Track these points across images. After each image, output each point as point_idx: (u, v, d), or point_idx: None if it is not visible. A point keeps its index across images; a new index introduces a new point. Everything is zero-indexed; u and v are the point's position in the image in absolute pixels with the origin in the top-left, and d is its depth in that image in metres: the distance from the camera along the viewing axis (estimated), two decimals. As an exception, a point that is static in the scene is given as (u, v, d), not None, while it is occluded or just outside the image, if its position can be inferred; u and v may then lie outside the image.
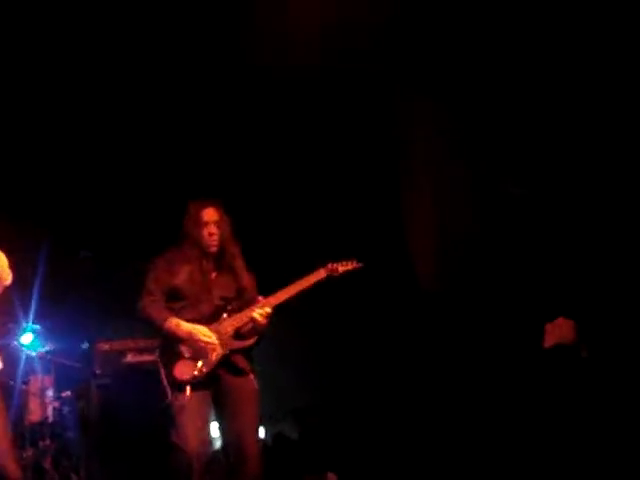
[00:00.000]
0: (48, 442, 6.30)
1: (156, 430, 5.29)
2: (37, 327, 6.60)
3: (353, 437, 6.44)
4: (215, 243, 4.39)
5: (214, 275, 4.41)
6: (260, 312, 4.25)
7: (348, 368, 7.15)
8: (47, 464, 6.16)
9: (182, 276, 4.33)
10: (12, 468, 3.91)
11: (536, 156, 5.64)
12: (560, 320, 4.12)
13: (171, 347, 4.21)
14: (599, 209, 4.86)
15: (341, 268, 4.54)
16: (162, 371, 4.19)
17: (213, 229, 4.38)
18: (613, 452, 3.73)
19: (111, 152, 6.79)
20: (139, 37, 5.84)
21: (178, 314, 4.26)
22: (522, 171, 5.73)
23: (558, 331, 4.07)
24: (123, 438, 5.64)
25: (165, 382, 4.17)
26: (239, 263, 4.48)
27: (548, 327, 4.13)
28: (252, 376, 4.35)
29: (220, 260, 4.44)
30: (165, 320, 4.22)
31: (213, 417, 4.42)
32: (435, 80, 6.21)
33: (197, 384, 4.15)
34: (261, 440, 4.82)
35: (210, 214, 4.42)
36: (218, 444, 5.65)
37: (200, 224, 4.39)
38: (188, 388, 4.12)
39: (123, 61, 6.05)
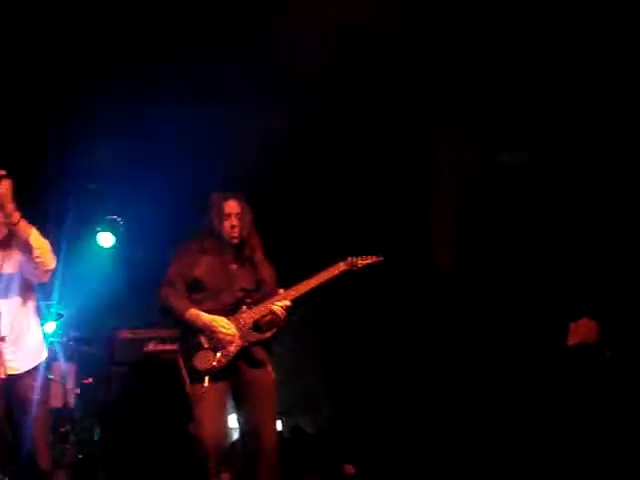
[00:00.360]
0: (69, 428, 6.37)
1: (174, 419, 5.34)
2: (61, 314, 6.65)
3: (370, 431, 6.43)
4: (236, 235, 4.40)
5: (234, 267, 4.42)
6: (280, 304, 4.26)
7: (367, 361, 7.13)
8: (67, 449, 6.23)
9: (203, 267, 4.35)
10: (44, 458, 3.93)
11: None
12: (584, 320, 4.08)
13: (191, 337, 4.23)
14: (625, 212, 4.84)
15: (360, 262, 4.55)
16: (181, 361, 4.22)
17: (235, 221, 4.40)
18: (634, 450, 3.70)
19: (133, 141, 6.83)
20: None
21: (198, 304, 4.28)
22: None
23: (582, 330, 4.04)
24: (142, 426, 5.66)
25: (184, 372, 4.19)
26: (259, 256, 4.50)
27: (572, 326, 4.10)
28: (270, 368, 4.36)
29: (241, 252, 4.46)
30: (185, 310, 4.24)
31: (231, 408, 4.45)
32: (455, 77, 6.20)
33: (216, 375, 4.16)
34: (278, 432, 4.83)
35: (232, 206, 4.43)
36: (236, 435, 5.67)
37: (222, 216, 4.41)
38: (207, 378, 4.13)
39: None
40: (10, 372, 3.87)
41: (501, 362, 5.30)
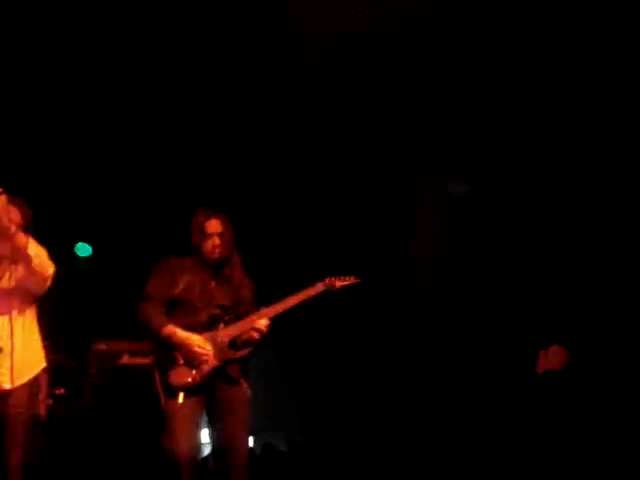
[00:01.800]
0: (39, 439, 6.32)
1: (148, 432, 5.32)
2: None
3: (343, 448, 6.45)
4: (217, 254, 4.41)
5: (213, 284, 4.43)
6: (263, 323, 4.29)
7: (340, 379, 7.16)
8: (37, 462, 6.17)
9: (182, 284, 4.35)
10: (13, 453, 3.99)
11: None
12: (554, 347, 4.15)
13: (166, 353, 4.24)
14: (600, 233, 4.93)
15: (338, 283, 4.53)
16: (156, 375, 4.23)
17: (216, 241, 4.40)
18: (603, 475, 3.78)
19: (119, 155, 6.83)
20: (148, 36, 5.87)
21: (175, 320, 4.28)
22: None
23: (551, 358, 4.11)
24: (115, 438, 5.64)
25: (159, 386, 4.20)
26: (239, 274, 4.52)
27: (542, 354, 4.17)
28: (245, 385, 4.38)
29: (220, 270, 4.47)
30: (162, 326, 4.24)
31: (204, 423, 4.46)
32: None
33: (190, 390, 4.17)
34: (250, 449, 4.84)
35: (214, 226, 4.44)
36: (207, 450, 5.67)
37: (204, 235, 4.41)
38: (181, 394, 4.15)
39: (135, 60, 6.08)
40: (5, 386, 3.97)
41: (472, 385, 5.35)
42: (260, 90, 6.28)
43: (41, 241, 4.08)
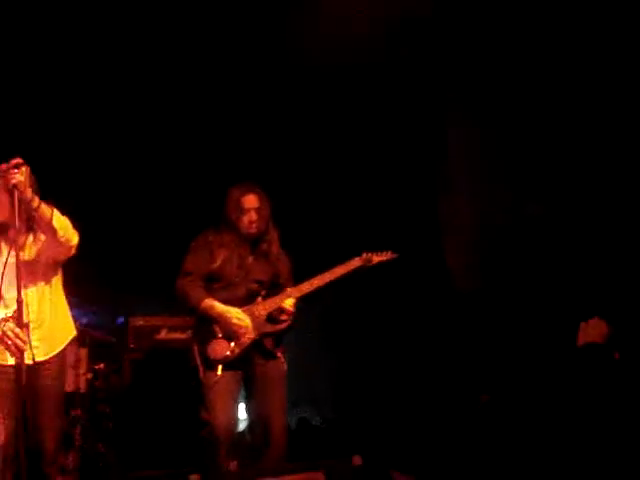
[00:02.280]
0: (79, 412, 6.42)
1: (185, 406, 5.39)
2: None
3: (376, 423, 6.45)
4: (254, 230, 4.43)
5: (251, 259, 4.44)
6: (290, 302, 4.33)
7: (375, 361, 7.15)
8: (76, 433, 6.28)
9: (219, 260, 4.37)
10: (48, 438, 3.96)
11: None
12: (594, 319, 4.12)
13: (205, 326, 4.27)
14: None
15: (376, 258, 4.59)
16: (195, 349, 4.27)
17: (253, 216, 4.41)
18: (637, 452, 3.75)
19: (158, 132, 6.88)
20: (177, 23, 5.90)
21: (214, 295, 4.31)
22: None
23: (592, 330, 4.08)
24: (153, 412, 5.71)
25: (198, 360, 4.24)
26: (276, 249, 4.53)
27: (582, 326, 4.14)
28: (282, 359, 4.41)
29: (257, 245, 4.48)
30: (201, 300, 4.27)
31: (241, 398, 4.50)
32: (475, 86, 6.22)
33: (228, 364, 4.21)
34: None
35: (251, 201, 4.44)
36: (243, 425, 5.71)
37: (240, 210, 4.42)
38: (220, 367, 4.19)
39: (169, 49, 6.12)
40: (37, 359, 3.87)
41: (514, 366, 5.32)
42: (289, 64, 6.26)
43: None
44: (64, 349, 4.10)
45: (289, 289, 4.40)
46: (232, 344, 4.22)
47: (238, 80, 6.43)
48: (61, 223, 3.85)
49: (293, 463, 4.05)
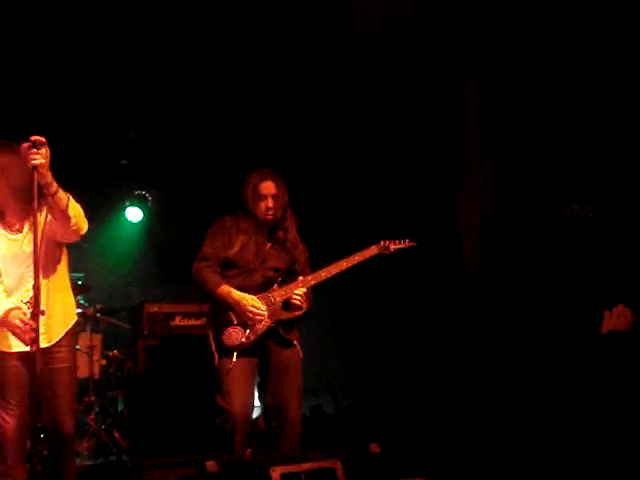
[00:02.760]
0: (93, 398, 6.42)
1: (201, 393, 5.36)
2: (88, 286, 6.69)
3: (391, 411, 6.42)
4: (271, 217, 4.37)
5: (268, 246, 4.40)
6: (300, 291, 4.27)
7: (390, 346, 7.11)
8: (90, 419, 6.28)
9: (237, 246, 4.33)
10: (67, 422, 3.89)
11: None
12: (619, 307, 4.06)
13: (221, 313, 4.23)
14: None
15: (393, 246, 4.54)
16: (210, 335, 4.22)
17: (270, 202, 4.36)
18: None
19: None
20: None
21: (230, 281, 4.26)
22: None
23: (616, 318, 4.02)
24: (168, 399, 5.69)
25: (213, 346, 4.19)
26: (293, 236, 4.48)
27: (606, 314, 4.08)
28: (298, 346, 4.35)
29: (275, 232, 4.43)
30: (217, 286, 4.23)
31: (256, 384, 4.46)
32: (491, 70, 6.16)
33: (243, 351, 4.16)
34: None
35: (268, 187, 4.39)
36: (257, 413, 5.68)
37: (258, 197, 4.37)
38: (235, 354, 4.14)
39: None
40: (44, 345, 3.69)
41: (530, 349, 5.27)
42: (306, 57, 6.22)
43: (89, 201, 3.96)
44: (69, 333, 3.96)
45: (305, 277, 4.34)
46: (247, 331, 4.17)
47: (256, 70, 6.39)
48: (75, 211, 3.71)
49: (309, 451, 4.00)
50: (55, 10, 5.65)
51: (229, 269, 4.34)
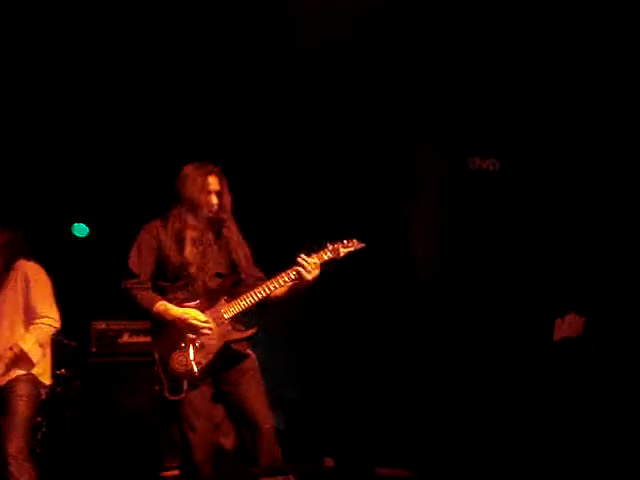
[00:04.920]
0: (40, 419, 6.22)
1: (151, 411, 5.25)
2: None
3: (343, 426, 6.37)
4: (214, 211, 4.05)
5: (209, 248, 4.04)
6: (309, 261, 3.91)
7: (342, 359, 7.05)
8: (37, 440, 6.08)
9: (171, 250, 3.96)
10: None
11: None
12: (570, 315, 4.08)
13: (164, 334, 3.88)
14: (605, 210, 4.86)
15: (342, 250, 4.07)
16: (157, 361, 3.86)
17: (215, 199, 4.06)
18: (616, 446, 3.71)
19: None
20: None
21: (167, 295, 3.94)
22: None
23: (567, 326, 4.04)
24: (116, 418, 5.56)
25: (162, 376, 3.84)
26: (236, 235, 4.14)
27: (558, 321, 4.10)
28: (250, 352, 4.04)
29: (216, 232, 4.09)
30: (152, 304, 3.88)
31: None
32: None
33: (195, 379, 3.85)
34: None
35: (214, 183, 4.08)
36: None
37: (204, 190, 4.04)
38: (185, 382, 3.81)
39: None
40: None
41: (485, 360, 5.27)
42: (261, 57, 6.14)
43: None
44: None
45: (256, 287, 3.98)
46: (196, 355, 3.81)
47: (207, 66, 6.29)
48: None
49: (262, 468, 3.89)
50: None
51: (165, 280, 3.99)
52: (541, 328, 4.07)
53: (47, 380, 4.61)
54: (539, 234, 5.22)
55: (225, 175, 4.14)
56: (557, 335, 3.99)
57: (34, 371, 4.45)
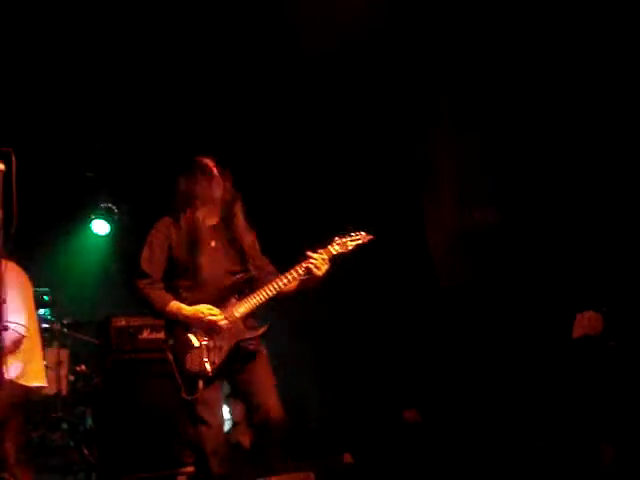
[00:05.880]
0: (60, 415, 6.27)
1: (170, 407, 5.26)
2: (54, 300, 6.55)
3: (365, 423, 6.36)
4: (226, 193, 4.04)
5: (222, 247, 4.02)
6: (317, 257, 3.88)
7: (365, 356, 7.04)
8: (57, 436, 6.14)
9: (182, 247, 3.95)
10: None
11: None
12: (589, 312, 4.05)
13: (179, 333, 3.87)
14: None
15: (350, 243, 4.02)
16: (171, 360, 3.87)
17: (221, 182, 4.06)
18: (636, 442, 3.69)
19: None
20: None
21: (180, 294, 3.92)
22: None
23: (587, 322, 4.01)
24: (137, 414, 5.57)
25: (177, 375, 3.84)
26: (242, 222, 4.10)
27: (578, 318, 4.07)
28: (264, 351, 4.02)
29: (228, 223, 4.06)
30: (165, 304, 3.86)
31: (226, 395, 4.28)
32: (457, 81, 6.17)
33: (210, 378, 3.83)
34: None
35: (215, 170, 4.09)
36: (227, 426, 5.59)
37: (208, 176, 4.05)
38: (200, 382, 3.80)
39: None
40: None
41: (505, 358, 5.23)
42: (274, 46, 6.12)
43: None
44: None
45: (268, 284, 3.94)
46: (211, 354, 3.80)
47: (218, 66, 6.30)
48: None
49: (282, 464, 3.90)
50: (22, 21, 5.56)
51: (177, 278, 3.96)
52: (560, 326, 4.04)
53: None
54: (558, 231, 5.17)
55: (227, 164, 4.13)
56: (576, 332, 3.96)
57: None
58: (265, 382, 3.95)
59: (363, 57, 6.08)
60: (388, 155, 6.70)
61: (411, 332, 6.48)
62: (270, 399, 3.89)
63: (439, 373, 6.09)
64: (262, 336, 4.01)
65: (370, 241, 4.04)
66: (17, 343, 4.26)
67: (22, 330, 4.27)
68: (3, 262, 4.08)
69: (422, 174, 6.68)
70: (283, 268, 4.04)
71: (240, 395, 4.05)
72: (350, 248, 4.00)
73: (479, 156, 6.14)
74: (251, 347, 3.94)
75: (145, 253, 3.96)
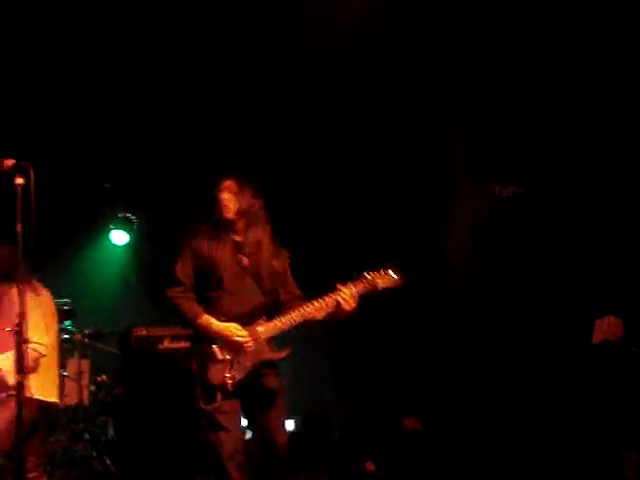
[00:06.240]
0: (82, 425, 6.29)
1: (191, 417, 5.26)
2: (74, 311, 6.59)
3: (387, 430, 6.35)
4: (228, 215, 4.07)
5: (252, 262, 4.03)
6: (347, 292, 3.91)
7: (380, 364, 7.03)
8: (80, 447, 6.16)
9: (215, 261, 3.97)
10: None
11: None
12: (609, 317, 4.02)
13: (205, 345, 3.90)
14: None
15: (381, 284, 4.04)
16: (195, 366, 3.92)
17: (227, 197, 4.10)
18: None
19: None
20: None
21: (211, 306, 3.95)
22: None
23: (607, 328, 3.97)
24: (156, 423, 5.59)
25: (197, 385, 3.90)
26: (266, 246, 4.10)
27: (597, 323, 4.04)
28: (278, 374, 4.06)
29: (248, 249, 4.07)
30: (196, 317, 3.91)
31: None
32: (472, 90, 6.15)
33: (229, 392, 3.87)
34: (292, 432, 4.60)
35: (228, 194, 4.13)
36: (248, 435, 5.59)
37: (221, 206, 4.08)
38: (219, 394, 3.84)
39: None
40: None
41: (523, 364, 5.20)
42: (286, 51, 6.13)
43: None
44: None
45: (295, 308, 3.98)
46: (232, 369, 3.86)
47: (240, 82, 6.33)
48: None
49: (303, 473, 3.91)
50: (42, 34, 5.61)
51: (210, 291, 3.99)
52: (580, 332, 4.01)
53: None
54: (578, 237, 5.14)
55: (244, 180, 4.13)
56: (596, 337, 3.93)
57: None
58: (277, 414, 4.01)
59: (367, 54, 6.07)
60: (401, 152, 6.68)
61: (426, 339, 6.46)
62: (279, 435, 3.97)
63: (451, 380, 6.07)
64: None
65: (399, 287, 4.05)
66: (37, 361, 4.27)
67: (42, 350, 4.26)
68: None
69: (437, 171, 6.65)
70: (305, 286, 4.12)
71: (250, 417, 4.10)
72: (380, 288, 4.03)
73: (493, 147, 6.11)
74: (271, 385, 4.00)
75: (179, 262, 3.98)
